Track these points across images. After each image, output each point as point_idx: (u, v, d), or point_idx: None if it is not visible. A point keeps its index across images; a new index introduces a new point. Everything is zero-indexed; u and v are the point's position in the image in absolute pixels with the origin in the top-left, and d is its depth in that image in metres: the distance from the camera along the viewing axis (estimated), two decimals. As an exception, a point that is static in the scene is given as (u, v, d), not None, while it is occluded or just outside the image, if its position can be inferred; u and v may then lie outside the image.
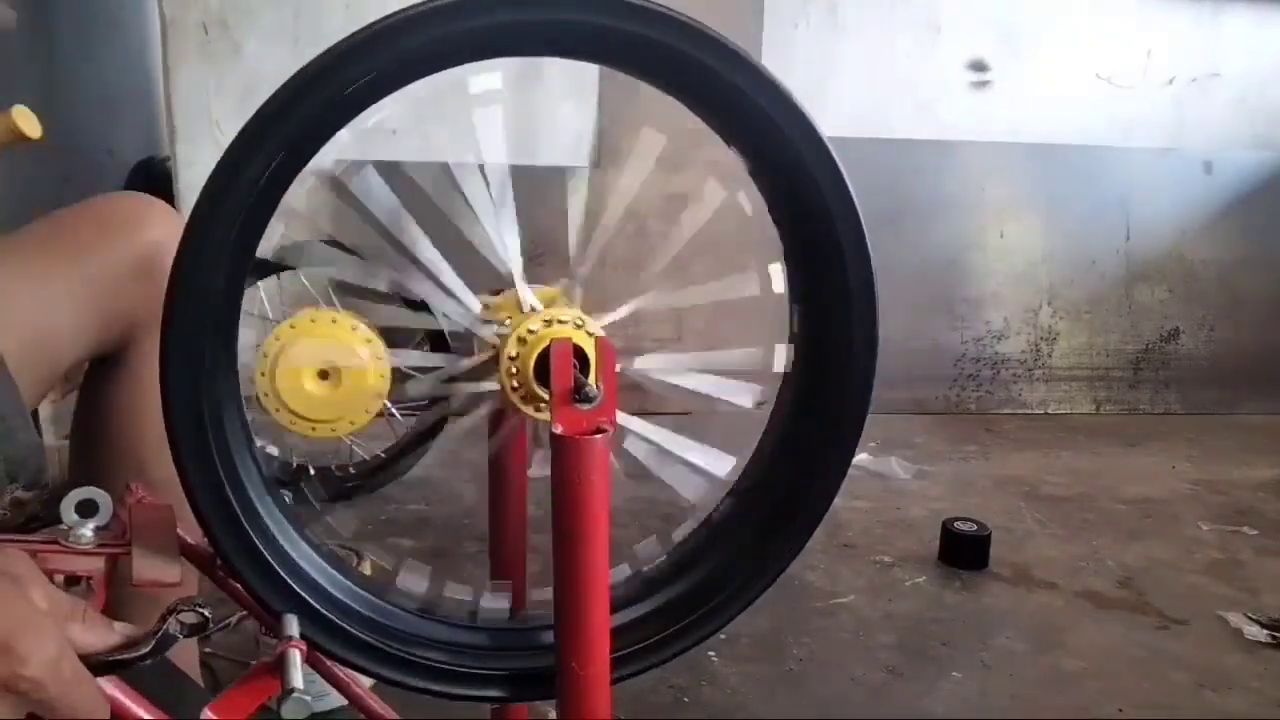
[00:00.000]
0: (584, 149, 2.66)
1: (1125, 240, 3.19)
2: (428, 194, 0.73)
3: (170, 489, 0.71)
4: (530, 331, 0.72)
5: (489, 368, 0.75)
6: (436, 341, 1.89)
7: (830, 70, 2.99)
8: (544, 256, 2.48)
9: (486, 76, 0.70)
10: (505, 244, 0.74)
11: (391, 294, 0.76)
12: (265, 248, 0.69)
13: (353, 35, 0.64)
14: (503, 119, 0.72)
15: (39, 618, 0.55)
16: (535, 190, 0.90)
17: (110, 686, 0.58)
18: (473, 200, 0.73)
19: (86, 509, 0.64)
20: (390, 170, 0.70)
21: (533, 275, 0.75)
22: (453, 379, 0.77)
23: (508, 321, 0.74)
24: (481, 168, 0.72)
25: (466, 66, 0.69)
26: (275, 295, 2.08)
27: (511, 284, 0.76)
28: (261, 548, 0.71)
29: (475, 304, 0.75)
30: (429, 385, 0.76)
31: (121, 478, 0.79)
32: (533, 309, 0.74)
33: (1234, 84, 3.21)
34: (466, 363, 0.76)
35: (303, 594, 0.73)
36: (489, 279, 0.77)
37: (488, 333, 0.74)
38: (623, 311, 0.77)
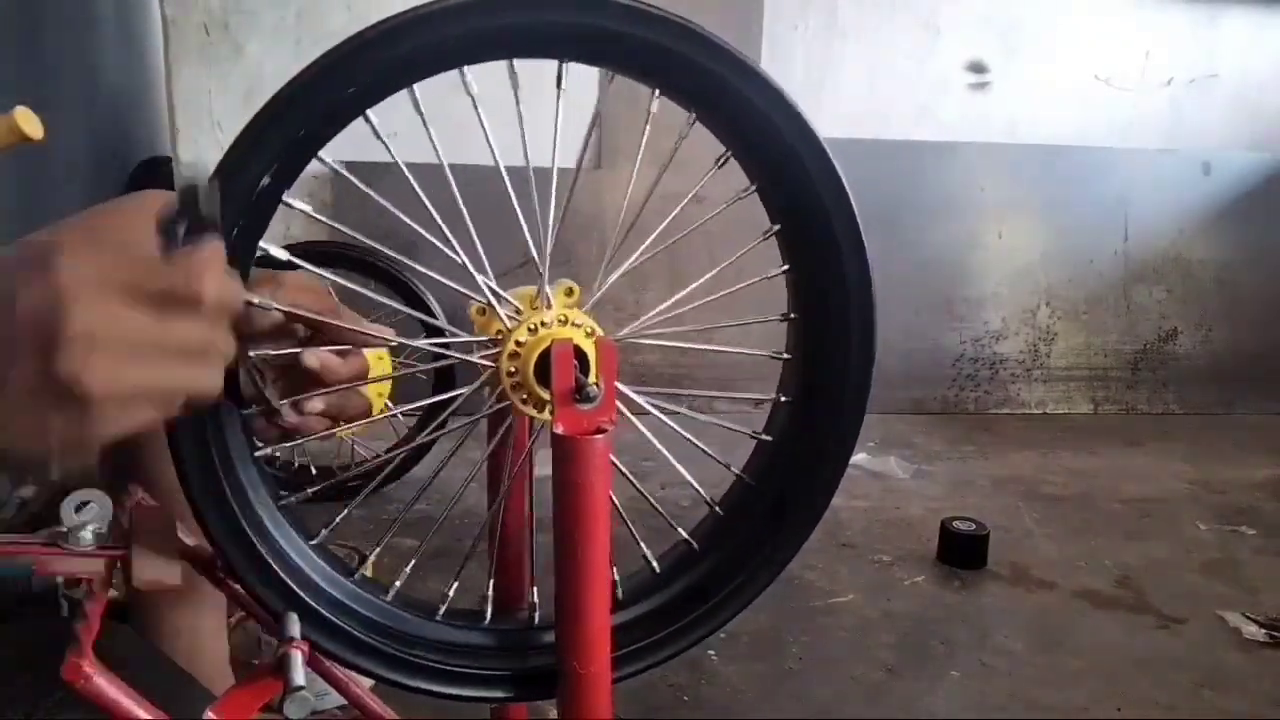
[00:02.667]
0: (584, 150, 2.66)
1: (1123, 241, 3.19)
2: (432, 193, 0.73)
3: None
4: (541, 324, 0.72)
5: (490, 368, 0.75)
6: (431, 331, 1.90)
7: (830, 71, 3.00)
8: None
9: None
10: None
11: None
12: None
13: (375, 25, 0.64)
14: (507, 121, 0.72)
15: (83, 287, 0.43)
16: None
17: (109, 686, 0.58)
18: (474, 200, 0.73)
19: (86, 511, 0.64)
20: (392, 170, 0.71)
21: (532, 275, 0.75)
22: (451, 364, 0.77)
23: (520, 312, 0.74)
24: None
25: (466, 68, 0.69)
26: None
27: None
28: (261, 549, 0.72)
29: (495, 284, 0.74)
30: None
31: (140, 478, 0.79)
32: (537, 306, 0.74)
33: (1232, 85, 3.22)
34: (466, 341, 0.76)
35: (303, 595, 0.73)
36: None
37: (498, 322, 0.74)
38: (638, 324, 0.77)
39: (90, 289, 0.44)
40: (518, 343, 0.71)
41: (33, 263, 0.44)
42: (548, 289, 0.73)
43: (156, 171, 2.94)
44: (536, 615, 0.82)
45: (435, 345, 0.81)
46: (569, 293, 0.74)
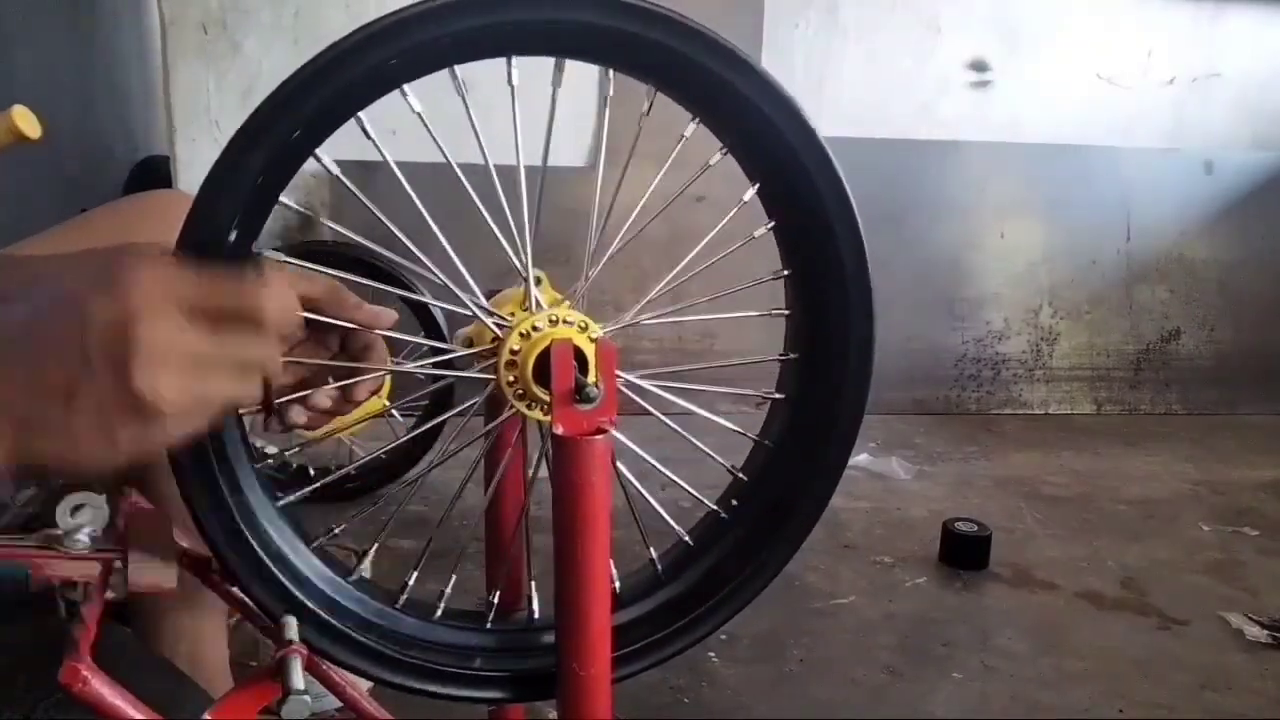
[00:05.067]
0: (584, 149, 2.66)
1: (1126, 240, 3.19)
2: (433, 192, 0.73)
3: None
4: (534, 329, 0.71)
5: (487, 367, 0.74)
6: (429, 326, 1.91)
7: (830, 70, 2.99)
8: (547, 255, 2.48)
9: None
10: (516, 240, 0.74)
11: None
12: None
13: (377, 21, 0.63)
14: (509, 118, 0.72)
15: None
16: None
17: (106, 689, 0.58)
18: (480, 198, 0.73)
19: (81, 514, 0.64)
20: (382, 169, 0.70)
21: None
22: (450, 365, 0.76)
23: (510, 317, 0.74)
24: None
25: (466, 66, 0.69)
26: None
27: (513, 282, 0.76)
28: (259, 552, 0.71)
29: (481, 298, 0.74)
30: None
31: (136, 480, 0.79)
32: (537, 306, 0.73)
33: (1234, 84, 3.21)
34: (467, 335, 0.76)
35: (301, 597, 0.73)
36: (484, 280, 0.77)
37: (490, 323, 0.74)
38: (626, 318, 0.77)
39: (158, 305, 0.46)
40: (513, 350, 0.71)
41: (101, 279, 0.46)
42: (535, 292, 0.73)
43: (155, 171, 2.94)
44: (536, 614, 0.82)
45: (434, 363, 0.80)
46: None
